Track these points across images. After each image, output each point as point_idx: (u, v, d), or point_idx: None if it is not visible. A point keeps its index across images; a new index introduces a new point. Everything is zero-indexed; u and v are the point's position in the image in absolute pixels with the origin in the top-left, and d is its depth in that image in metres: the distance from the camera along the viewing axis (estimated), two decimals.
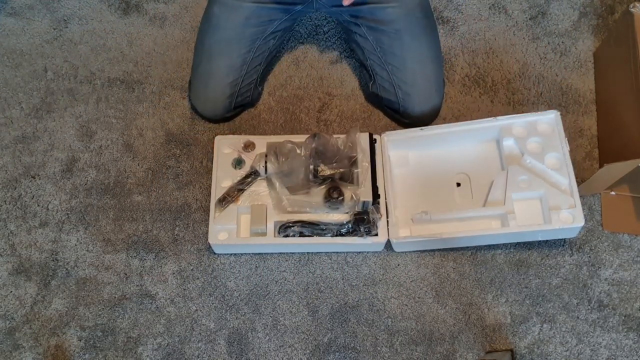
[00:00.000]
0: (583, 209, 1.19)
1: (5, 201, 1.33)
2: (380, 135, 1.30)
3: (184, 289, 1.25)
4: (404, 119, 1.37)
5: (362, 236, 1.21)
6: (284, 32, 1.37)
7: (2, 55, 1.49)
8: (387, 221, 1.22)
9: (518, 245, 1.27)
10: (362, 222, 1.20)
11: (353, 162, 1.22)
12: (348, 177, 1.22)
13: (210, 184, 1.28)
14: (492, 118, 1.28)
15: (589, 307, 1.22)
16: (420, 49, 1.31)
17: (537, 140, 1.25)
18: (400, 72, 1.31)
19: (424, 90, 1.32)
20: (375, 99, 1.41)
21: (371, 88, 1.39)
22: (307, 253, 1.27)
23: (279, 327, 1.21)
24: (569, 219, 1.18)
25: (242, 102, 1.39)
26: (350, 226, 1.21)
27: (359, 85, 1.46)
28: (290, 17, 1.33)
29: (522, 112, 1.33)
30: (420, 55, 1.31)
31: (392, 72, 1.32)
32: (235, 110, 1.40)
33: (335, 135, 1.26)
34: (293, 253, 1.27)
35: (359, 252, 1.27)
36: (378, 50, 1.31)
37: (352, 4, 1.25)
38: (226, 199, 1.24)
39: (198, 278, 1.25)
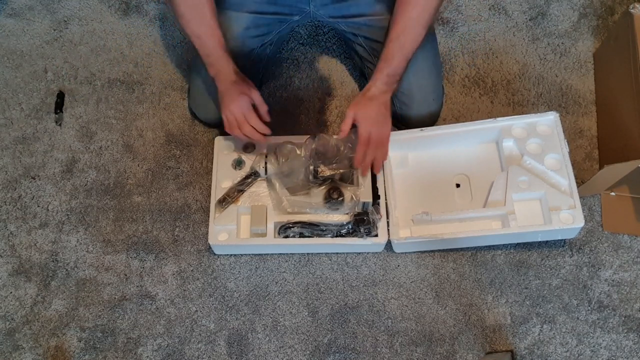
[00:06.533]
0: (583, 210, 1.19)
1: (5, 202, 1.33)
2: None
3: (184, 290, 1.25)
4: (402, 124, 1.37)
5: (362, 237, 1.20)
6: (281, 38, 1.38)
7: (2, 56, 1.49)
8: (387, 222, 1.22)
9: (518, 246, 1.27)
10: (362, 223, 1.20)
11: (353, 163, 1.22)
12: (348, 178, 1.22)
13: (210, 185, 1.28)
14: (491, 119, 1.28)
15: (589, 308, 1.22)
16: (417, 61, 1.29)
17: (537, 141, 1.25)
18: None
19: (421, 99, 1.32)
20: None
21: None
22: (307, 254, 1.27)
23: (279, 328, 1.21)
24: (569, 219, 1.18)
25: None
26: (350, 227, 1.21)
27: (358, 86, 1.46)
28: (287, 27, 1.33)
29: (522, 113, 1.33)
30: (417, 66, 1.29)
31: None
32: None
33: (335, 136, 1.25)
34: (293, 254, 1.27)
35: (359, 253, 1.27)
36: (375, 59, 1.31)
37: (349, 16, 1.25)
38: (226, 200, 1.24)
39: (198, 279, 1.25)
